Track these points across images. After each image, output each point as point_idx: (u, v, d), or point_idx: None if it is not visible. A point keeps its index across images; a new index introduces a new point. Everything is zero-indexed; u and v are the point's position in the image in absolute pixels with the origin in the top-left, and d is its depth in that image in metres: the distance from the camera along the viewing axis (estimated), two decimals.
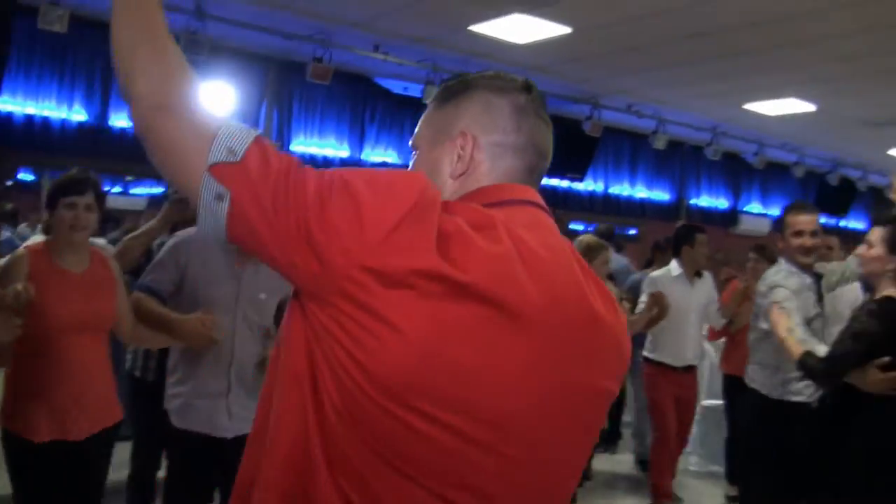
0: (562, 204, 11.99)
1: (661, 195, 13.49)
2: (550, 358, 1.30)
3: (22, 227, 8.96)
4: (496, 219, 1.29)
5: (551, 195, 11.80)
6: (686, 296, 6.13)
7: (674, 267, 6.30)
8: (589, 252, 5.31)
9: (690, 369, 6.28)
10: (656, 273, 6.44)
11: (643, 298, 5.99)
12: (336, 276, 1.18)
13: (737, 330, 6.30)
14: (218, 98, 7.83)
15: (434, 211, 1.22)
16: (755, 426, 4.52)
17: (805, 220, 4.40)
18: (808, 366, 3.81)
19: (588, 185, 12.23)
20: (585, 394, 1.37)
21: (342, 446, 1.22)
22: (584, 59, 8.55)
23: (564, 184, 11.86)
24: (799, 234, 4.37)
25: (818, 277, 4.47)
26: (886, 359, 3.62)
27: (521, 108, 1.50)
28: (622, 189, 12.85)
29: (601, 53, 8.29)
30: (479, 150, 1.46)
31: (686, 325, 6.13)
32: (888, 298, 3.77)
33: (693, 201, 13.93)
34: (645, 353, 6.36)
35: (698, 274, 6.32)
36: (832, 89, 9.30)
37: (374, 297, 1.18)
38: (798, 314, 4.13)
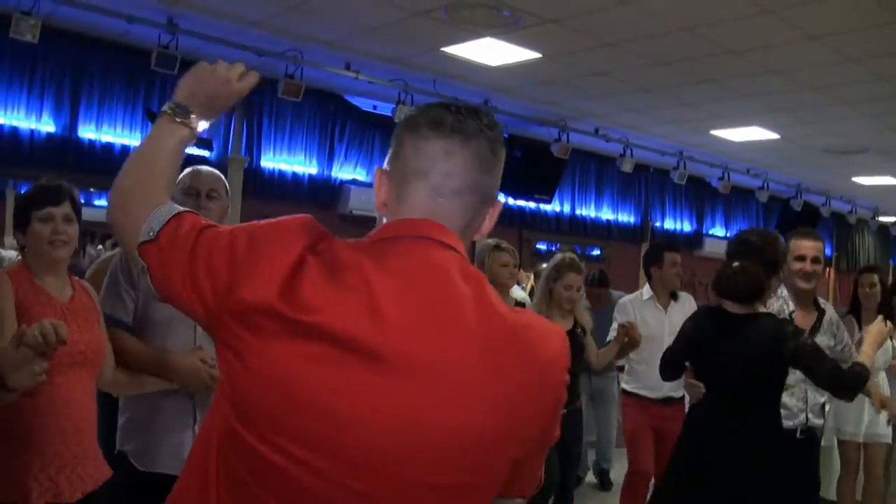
0: (529, 225, 12.10)
1: (627, 217, 13.61)
2: (421, 400, 1.31)
3: None
4: (361, 260, 1.37)
5: (518, 216, 11.90)
6: (659, 321, 5.65)
7: (645, 290, 5.94)
8: (555, 271, 5.06)
9: (671, 401, 5.59)
10: (626, 298, 6.09)
11: (614, 326, 5.59)
12: (212, 317, 1.39)
13: None
14: None
15: (288, 252, 1.36)
16: None
17: (808, 246, 4.38)
18: None
19: (555, 207, 12.32)
20: (469, 437, 1.34)
21: (227, 464, 1.37)
22: (554, 83, 8.63)
23: (532, 205, 11.92)
24: (801, 258, 4.36)
25: (821, 312, 4.44)
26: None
27: (422, 134, 1.48)
28: (588, 211, 12.95)
29: (570, 77, 8.38)
30: (386, 182, 1.53)
31: (661, 352, 5.06)
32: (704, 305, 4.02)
33: (658, 224, 14.06)
34: (623, 385, 5.95)
35: (674, 297, 5.86)
36: (796, 118, 9.45)
37: (232, 335, 1.35)
38: None
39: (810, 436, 4.33)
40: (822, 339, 4.34)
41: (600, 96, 9.07)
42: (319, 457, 1.30)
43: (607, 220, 13.26)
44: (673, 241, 13.55)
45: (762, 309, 3.81)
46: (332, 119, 10.01)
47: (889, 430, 5.58)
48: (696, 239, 14.64)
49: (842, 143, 10.70)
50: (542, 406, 1.44)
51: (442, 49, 7.64)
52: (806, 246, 4.39)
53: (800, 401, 4.24)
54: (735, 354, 3.75)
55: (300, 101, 8.44)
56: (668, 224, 14.25)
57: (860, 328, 5.63)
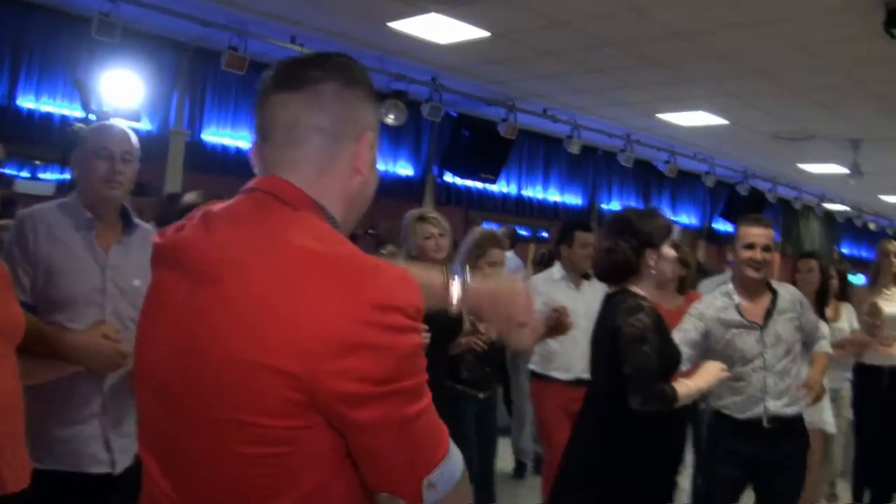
0: (475, 204, 12.01)
1: (574, 199, 13.58)
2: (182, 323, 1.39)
3: None
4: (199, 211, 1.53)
5: (465, 195, 11.82)
6: (572, 301, 5.30)
7: (555, 270, 5.76)
8: (477, 248, 4.81)
9: (583, 383, 5.19)
10: (537, 276, 5.98)
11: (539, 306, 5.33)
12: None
13: None
14: (128, 84, 7.60)
15: None
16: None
17: (757, 233, 4.27)
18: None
19: (502, 187, 12.24)
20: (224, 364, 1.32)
21: None
22: (502, 62, 8.55)
23: (478, 184, 11.83)
24: (750, 246, 4.25)
25: (774, 293, 4.34)
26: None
27: (261, 96, 1.54)
28: (535, 192, 12.89)
29: (518, 57, 8.31)
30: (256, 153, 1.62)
31: (574, 333, 5.06)
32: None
33: (604, 206, 14.05)
34: (531, 366, 5.72)
35: (587, 276, 5.57)
36: (743, 104, 9.49)
37: None
38: (684, 344, 4.03)
39: (782, 423, 4.24)
40: (782, 321, 4.29)
41: (549, 77, 9.01)
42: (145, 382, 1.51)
43: (554, 202, 13.21)
44: None
45: (634, 288, 3.59)
46: None
47: (830, 419, 5.60)
48: None
49: (789, 130, 10.77)
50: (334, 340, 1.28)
51: (388, 24, 7.51)
52: (755, 233, 4.28)
53: (758, 390, 4.20)
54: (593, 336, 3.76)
55: (245, 74, 8.26)
56: (615, 206, 14.23)
57: None
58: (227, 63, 8.01)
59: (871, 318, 5.59)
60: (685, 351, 3.97)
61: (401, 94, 9.29)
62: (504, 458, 6.63)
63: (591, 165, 13.69)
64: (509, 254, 6.68)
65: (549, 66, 8.51)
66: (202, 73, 8.99)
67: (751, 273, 4.26)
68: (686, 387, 3.46)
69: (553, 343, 5.38)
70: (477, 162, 11.10)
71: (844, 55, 7.27)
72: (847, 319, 5.97)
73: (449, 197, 11.54)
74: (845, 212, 18.77)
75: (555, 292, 5.48)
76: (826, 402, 5.44)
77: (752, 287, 4.32)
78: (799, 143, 11.50)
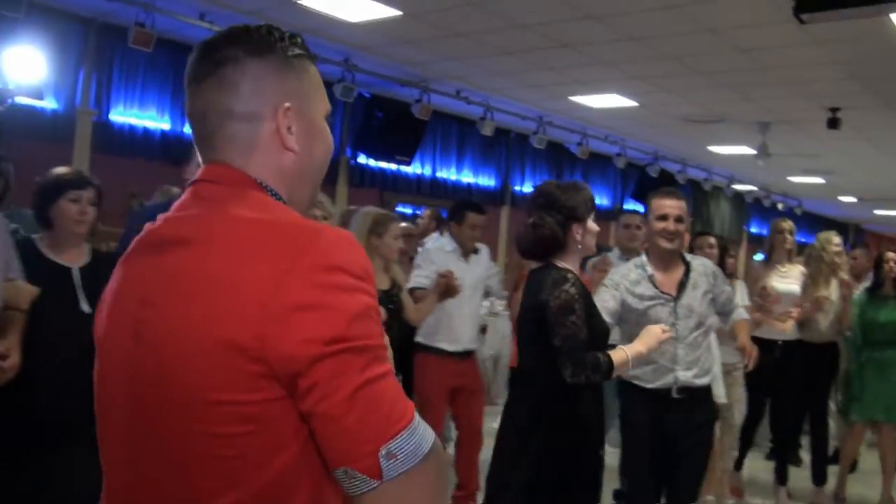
0: (390, 186, 11.93)
1: (488, 181, 13.61)
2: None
3: None
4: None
5: (380, 177, 11.73)
6: (461, 272, 5.55)
7: (447, 241, 5.97)
8: (376, 226, 4.81)
9: (468, 355, 5.85)
10: (430, 245, 6.15)
11: (426, 274, 5.63)
12: None
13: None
14: (32, 61, 7.34)
15: None
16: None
17: (670, 205, 4.34)
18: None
19: (416, 169, 12.18)
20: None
21: None
22: (415, 43, 8.48)
23: (392, 166, 11.75)
24: (663, 217, 4.32)
25: (688, 266, 4.42)
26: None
27: (186, 89, 1.50)
28: (449, 173, 12.87)
29: (431, 38, 8.24)
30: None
31: (461, 303, 5.55)
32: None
33: (518, 188, 14.11)
34: (417, 338, 5.75)
35: (475, 250, 6.00)
36: (654, 87, 9.58)
37: None
38: (604, 312, 4.04)
39: (690, 393, 4.33)
40: (695, 294, 4.35)
41: (462, 58, 8.97)
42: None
43: (468, 183, 13.21)
44: None
45: (559, 263, 3.61)
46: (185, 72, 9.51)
47: (721, 391, 5.72)
48: None
49: (698, 113, 10.92)
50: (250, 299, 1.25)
51: (299, 1, 7.36)
52: (668, 205, 4.35)
53: (668, 360, 4.25)
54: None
55: (152, 52, 8.02)
56: (528, 188, 14.30)
57: None
58: (133, 40, 7.74)
59: (761, 300, 5.78)
60: (608, 320, 3.99)
61: None
62: None
63: (505, 147, 13.73)
64: (435, 235, 6.76)
65: (463, 47, 8.47)
66: (109, 50, 8.67)
67: (664, 244, 4.32)
68: (622, 353, 3.47)
69: (439, 314, 5.45)
70: (391, 143, 11.02)
71: (754, 39, 7.37)
72: (740, 295, 6.12)
73: (363, 179, 11.44)
74: (754, 192, 19.19)
75: (448, 263, 5.62)
76: (718, 374, 5.57)
77: (665, 258, 4.39)
78: (709, 125, 11.68)
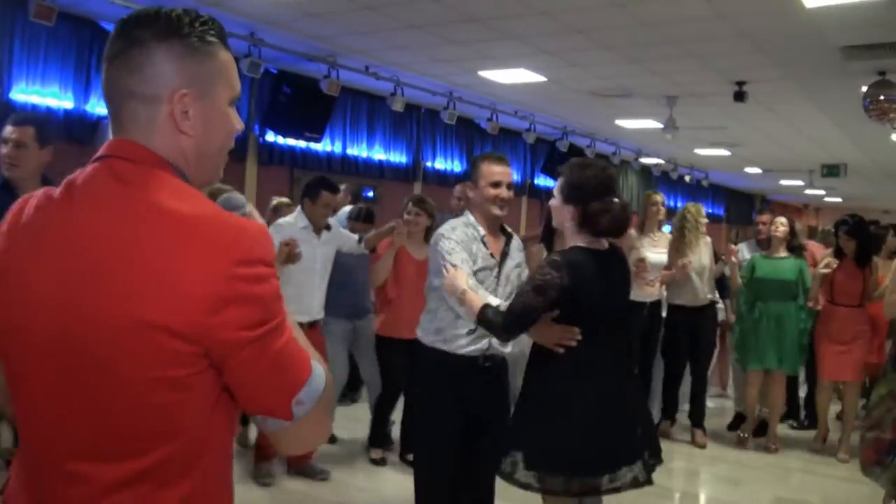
0: (300, 164, 11.76)
1: (399, 157, 13.53)
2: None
3: None
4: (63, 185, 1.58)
5: (289, 155, 11.56)
6: (311, 249, 6.00)
7: (300, 218, 6.20)
8: (276, 212, 5.07)
9: (314, 325, 6.12)
10: (282, 220, 6.27)
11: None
12: None
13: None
14: None
15: None
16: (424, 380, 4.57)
17: (501, 171, 4.37)
18: (488, 319, 3.81)
19: (326, 146, 12.05)
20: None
21: None
22: (321, 16, 8.35)
23: (302, 143, 11.59)
24: (497, 184, 4.35)
25: (509, 236, 4.51)
26: (556, 312, 3.78)
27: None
28: (360, 150, 12.76)
29: (338, 11, 8.12)
30: None
31: (311, 278, 6.09)
32: (572, 249, 3.84)
33: (429, 164, 14.09)
34: None
35: (328, 227, 6.29)
36: (561, 62, 9.62)
37: None
38: (466, 265, 4.15)
39: (496, 363, 4.43)
40: (510, 264, 4.47)
41: (369, 32, 8.87)
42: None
43: (379, 160, 13.12)
44: (444, 180, 13.66)
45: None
46: (87, 48, 9.07)
47: None
48: (465, 179, 14.74)
49: (606, 87, 11.02)
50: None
51: None
52: (500, 171, 4.39)
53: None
54: None
55: (53, 26, 7.76)
56: (440, 164, 14.32)
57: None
58: (35, 13, 7.49)
59: (636, 269, 6.77)
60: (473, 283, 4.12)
61: None
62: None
63: (415, 123, 13.68)
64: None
65: (369, 20, 8.37)
66: (10, 24, 8.32)
67: (497, 211, 4.38)
68: (470, 300, 3.95)
69: (289, 286, 5.57)
70: (300, 120, 10.86)
71: (661, 14, 7.45)
72: None
73: (272, 157, 11.24)
74: (661, 165, 19.50)
75: (298, 239, 5.79)
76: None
77: (494, 225, 4.46)
78: (617, 99, 11.80)
